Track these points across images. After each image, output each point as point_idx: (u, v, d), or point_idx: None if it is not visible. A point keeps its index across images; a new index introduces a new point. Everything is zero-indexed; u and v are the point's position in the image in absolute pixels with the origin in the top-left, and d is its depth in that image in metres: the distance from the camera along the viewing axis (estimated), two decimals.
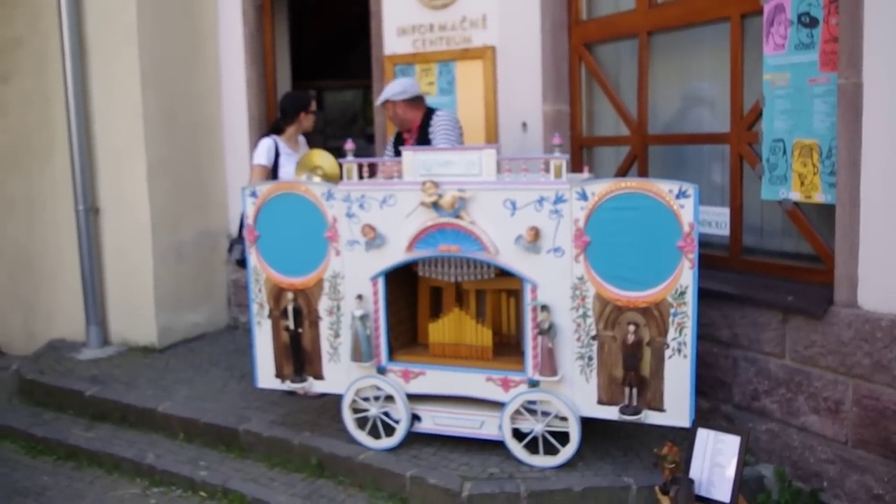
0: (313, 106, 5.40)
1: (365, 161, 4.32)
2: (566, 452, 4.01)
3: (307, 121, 5.37)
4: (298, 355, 4.45)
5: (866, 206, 3.47)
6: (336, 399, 4.47)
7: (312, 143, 5.54)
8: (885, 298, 3.43)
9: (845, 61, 3.49)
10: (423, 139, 5.03)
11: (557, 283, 3.90)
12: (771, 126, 4.04)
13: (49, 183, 6.55)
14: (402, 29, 5.88)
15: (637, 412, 3.84)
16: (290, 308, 4.39)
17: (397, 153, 5.00)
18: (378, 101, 5.16)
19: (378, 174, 4.47)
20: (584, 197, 3.81)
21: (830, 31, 3.69)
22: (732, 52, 4.28)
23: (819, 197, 3.83)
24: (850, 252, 3.53)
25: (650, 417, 3.85)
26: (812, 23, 3.79)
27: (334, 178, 4.60)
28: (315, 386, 4.49)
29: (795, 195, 3.96)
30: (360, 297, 4.23)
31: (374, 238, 4.16)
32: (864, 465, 3.55)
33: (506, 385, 4.08)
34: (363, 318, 4.21)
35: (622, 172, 4.97)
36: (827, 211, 3.79)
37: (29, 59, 6.53)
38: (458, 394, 4.19)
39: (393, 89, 5.09)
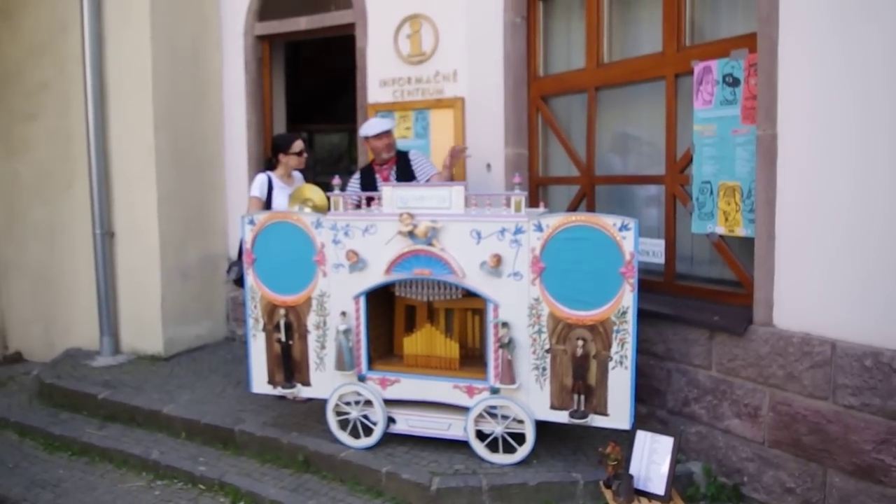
0: (295, 148, 5.21)
1: (349, 195, 4.33)
2: (523, 451, 4.00)
3: (291, 161, 5.21)
4: (289, 364, 4.41)
5: (781, 239, 3.51)
6: (321, 403, 4.43)
7: (304, 178, 5.52)
8: (796, 319, 3.47)
9: (763, 115, 3.55)
10: (406, 173, 5.07)
11: (516, 303, 3.90)
12: (700, 170, 4.09)
13: (69, 210, 6.47)
14: (383, 81, 5.91)
15: (584, 416, 3.84)
16: (282, 322, 4.36)
17: (365, 186, 5.05)
18: (380, 127, 5.10)
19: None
20: (540, 228, 3.83)
21: (750, 89, 3.77)
22: (667, 106, 4.34)
23: (741, 231, 3.89)
24: (767, 278, 3.57)
25: (596, 421, 3.85)
26: (735, 83, 3.87)
27: (323, 209, 4.59)
28: (303, 391, 4.44)
29: (721, 229, 4.00)
30: (343, 313, 4.21)
31: (356, 262, 4.14)
32: (779, 462, 3.58)
33: (470, 392, 4.07)
34: (346, 332, 4.19)
35: (573, 208, 4.99)
36: (747, 243, 3.83)
37: (55, 100, 6.46)
38: (429, 399, 4.17)
39: (388, 123, 5.17)
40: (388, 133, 5.11)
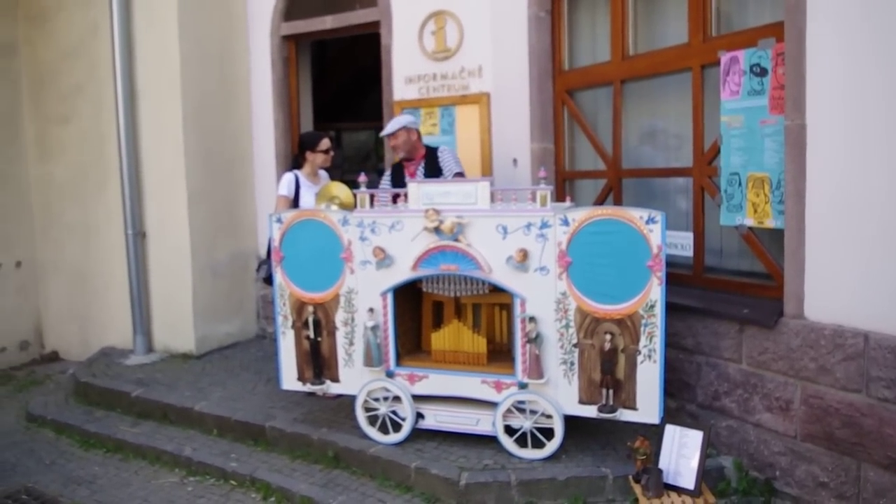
0: (322, 146, 5.26)
1: (376, 192, 4.36)
2: (551, 446, 4.00)
3: (317, 158, 5.25)
4: (318, 361, 4.45)
5: (811, 230, 3.48)
6: (350, 399, 4.48)
7: (332, 176, 5.57)
8: (828, 311, 3.44)
9: (791, 105, 3.52)
10: (433, 168, 5.07)
11: (543, 298, 3.91)
12: (728, 161, 4.06)
13: (104, 210, 6.59)
14: (409, 78, 5.94)
15: (613, 410, 3.84)
16: (310, 320, 4.41)
17: (395, 182, 5.09)
18: (391, 128, 5.10)
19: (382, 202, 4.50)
20: (566, 223, 3.83)
21: (778, 79, 3.74)
22: (694, 97, 4.31)
23: (770, 223, 3.86)
24: (797, 271, 3.55)
25: (624, 415, 3.84)
26: (762, 72, 3.84)
27: (349, 207, 4.63)
28: (332, 388, 4.49)
29: (750, 221, 3.98)
30: (371, 310, 4.24)
31: (383, 258, 4.18)
32: (811, 456, 3.55)
33: (498, 387, 4.08)
34: (374, 328, 4.23)
35: (599, 201, 4.97)
36: (777, 235, 3.80)
37: (87, 103, 6.60)
38: (457, 394, 4.19)
39: (408, 118, 5.17)
40: (399, 132, 5.07)
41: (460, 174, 5.03)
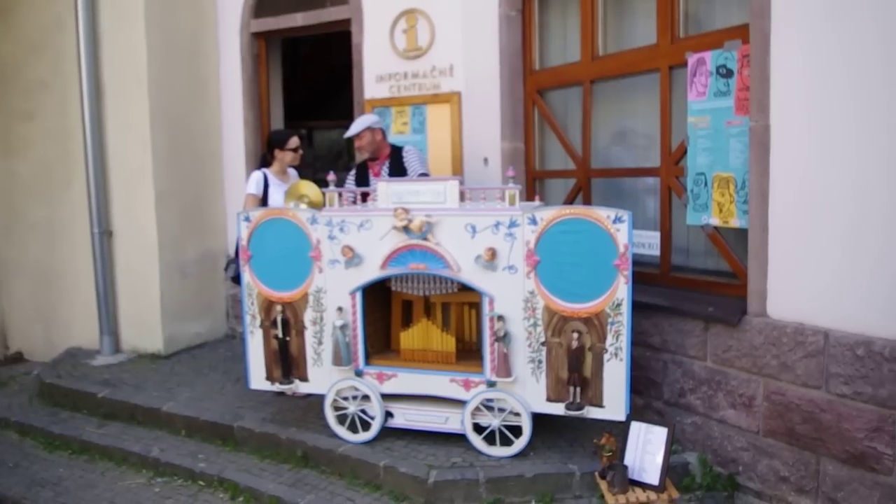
0: (290, 144, 5.28)
1: (345, 190, 4.40)
2: (519, 444, 4.06)
3: (286, 157, 5.27)
4: (286, 360, 4.48)
5: (774, 230, 3.57)
6: (319, 399, 4.51)
7: (304, 175, 5.57)
8: (790, 309, 3.54)
9: (756, 107, 3.61)
10: (398, 168, 5.12)
11: (511, 297, 3.97)
12: (694, 161, 4.15)
13: (68, 209, 6.56)
14: (380, 76, 5.98)
15: (580, 408, 3.90)
16: (279, 319, 4.44)
17: (359, 182, 5.13)
18: (355, 129, 5.13)
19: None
20: (534, 222, 3.90)
21: (743, 81, 3.83)
22: (662, 98, 4.39)
23: (735, 222, 3.95)
24: (761, 269, 3.64)
25: (591, 412, 3.91)
26: (728, 74, 3.93)
27: (318, 206, 4.66)
28: (301, 387, 4.52)
29: (715, 221, 4.07)
30: (340, 309, 4.28)
31: (352, 257, 4.22)
32: (773, 451, 3.65)
33: (467, 385, 4.14)
34: (343, 327, 4.27)
35: (569, 201, 5.05)
36: (741, 234, 3.89)
37: (52, 99, 6.56)
38: (426, 393, 4.24)
39: (371, 118, 5.21)
40: (363, 133, 5.12)
41: (424, 174, 5.07)
